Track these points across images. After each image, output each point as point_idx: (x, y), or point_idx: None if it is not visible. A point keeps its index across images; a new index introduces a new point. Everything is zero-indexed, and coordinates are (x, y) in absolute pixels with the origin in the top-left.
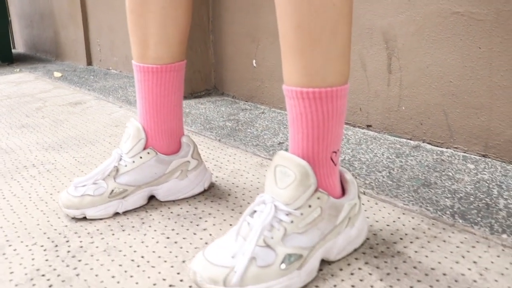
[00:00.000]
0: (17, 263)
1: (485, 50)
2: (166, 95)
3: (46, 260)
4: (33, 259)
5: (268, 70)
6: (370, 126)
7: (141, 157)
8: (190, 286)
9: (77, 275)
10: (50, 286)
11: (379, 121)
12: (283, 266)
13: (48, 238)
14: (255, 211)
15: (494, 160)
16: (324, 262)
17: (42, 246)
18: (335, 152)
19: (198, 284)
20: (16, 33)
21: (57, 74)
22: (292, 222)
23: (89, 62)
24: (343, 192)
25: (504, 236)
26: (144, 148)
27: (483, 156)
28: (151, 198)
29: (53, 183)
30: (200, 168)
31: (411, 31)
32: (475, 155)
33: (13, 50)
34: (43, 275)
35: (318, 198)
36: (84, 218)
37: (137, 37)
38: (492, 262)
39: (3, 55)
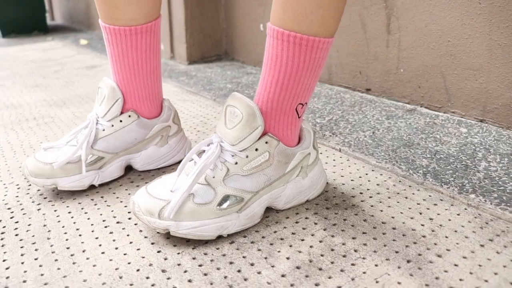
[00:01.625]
0: None
1: (485, 5)
2: (143, 59)
3: (16, 196)
4: (5, 195)
5: None
6: (369, 89)
7: (121, 121)
8: (135, 224)
9: (38, 209)
10: (12, 217)
11: (378, 85)
12: (223, 205)
13: (25, 178)
14: (203, 151)
15: (490, 125)
16: (272, 210)
17: (17, 185)
18: (302, 104)
19: (136, 215)
20: (55, 6)
21: (83, 41)
22: (236, 163)
23: None
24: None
25: (472, 196)
26: (123, 111)
27: (481, 121)
28: (127, 170)
29: (46, 133)
30: (180, 134)
31: None
32: (472, 120)
33: (51, 22)
34: (8, 208)
35: (266, 142)
36: None
37: None
38: (449, 220)
39: (38, 26)
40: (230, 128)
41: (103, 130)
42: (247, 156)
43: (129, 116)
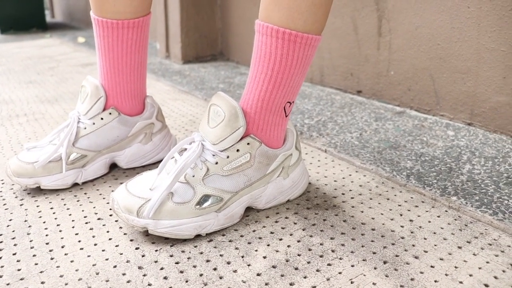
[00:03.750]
0: None
1: (474, 9)
2: (128, 54)
3: (0, 191)
4: None
5: None
6: (360, 91)
7: (102, 118)
8: (116, 221)
9: (21, 205)
10: None
11: (369, 87)
12: (202, 205)
13: (9, 178)
14: (185, 149)
15: (477, 129)
16: (253, 209)
17: (2, 180)
18: (290, 103)
19: (115, 212)
20: (55, 4)
21: (80, 39)
22: (216, 163)
23: None
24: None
25: (454, 198)
26: (105, 109)
27: (469, 124)
28: (112, 167)
29: (35, 129)
30: (164, 131)
31: None
32: (460, 123)
33: (52, 20)
34: None
35: (248, 144)
36: None
37: None
38: (429, 222)
39: (37, 23)
40: (212, 127)
41: (85, 128)
42: (227, 157)
43: (110, 113)
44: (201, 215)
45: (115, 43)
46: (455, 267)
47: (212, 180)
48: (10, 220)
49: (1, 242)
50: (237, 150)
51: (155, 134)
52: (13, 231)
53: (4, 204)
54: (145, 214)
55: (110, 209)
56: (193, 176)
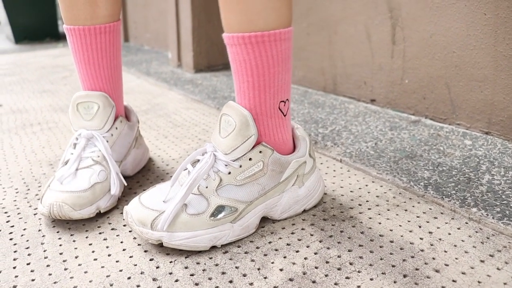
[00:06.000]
0: None
1: (491, 16)
2: (119, 55)
3: (14, 200)
4: (3, 199)
5: None
6: (374, 100)
7: (116, 128)
8: (130, 231)
9: (35, 214)
10: (8, 221)
11: (382, 95)
12: (217, 216)
13: (24, 183)
14: (198, 160)
15: (496, 138)
16: (268, 220)
17: (16, 189)
18: (284, 101)
19: (129, 225)
20: None
21: None
22: (229, 173)
23: (126, 39)
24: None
25: (474, 209)
26: (115, 117)
27: (486, 133)
28: None
29: (49, 138)
30: (135, 129)
31: None
32: (477, 132)
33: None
34: (5, 212)
35: (260, 152)
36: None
37: None
38: (449, 234)
39: (51, 33)
40: (223, 137)
41: (107, 141)
42: (240, 166)
43: (121, 121)
44: (216, 226)
45: (109, 47)
46: (479, 281)
47: (225, 190)
48: (24, 229)
49: (15, 251)
50: (250, 159)
51: (140, 137)
52: (27, 241)
53: (18, 213)
54: (159, 227)
55: (124, 219)
56: (207, 187)
